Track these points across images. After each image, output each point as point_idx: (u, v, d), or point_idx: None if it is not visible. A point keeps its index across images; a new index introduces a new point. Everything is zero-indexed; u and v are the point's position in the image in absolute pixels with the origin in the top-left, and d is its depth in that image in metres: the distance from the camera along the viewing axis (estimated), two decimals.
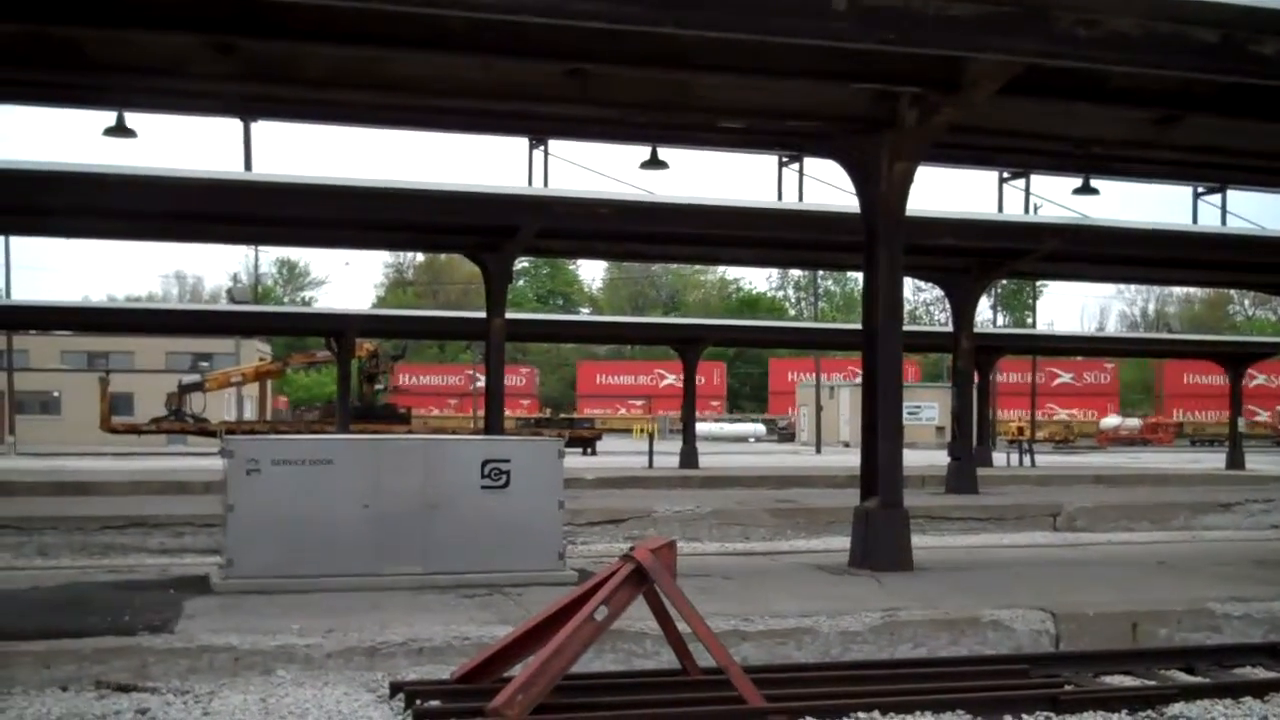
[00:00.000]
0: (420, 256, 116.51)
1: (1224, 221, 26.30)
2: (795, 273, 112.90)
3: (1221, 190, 25.34)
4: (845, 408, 73.37)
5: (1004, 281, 73.34)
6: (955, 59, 12.30)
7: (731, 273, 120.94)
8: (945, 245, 24.53)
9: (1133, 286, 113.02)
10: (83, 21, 11.31)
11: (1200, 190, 25.64)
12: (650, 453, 38.89)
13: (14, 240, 53.63)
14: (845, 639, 10.03)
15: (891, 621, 10.26)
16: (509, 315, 26.00)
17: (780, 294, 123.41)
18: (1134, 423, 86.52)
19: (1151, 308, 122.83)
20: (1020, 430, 56.75)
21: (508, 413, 63.33)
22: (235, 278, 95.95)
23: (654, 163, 22.03)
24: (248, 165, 20.16)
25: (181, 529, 18.70)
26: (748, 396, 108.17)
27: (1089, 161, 19.08)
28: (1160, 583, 12.65)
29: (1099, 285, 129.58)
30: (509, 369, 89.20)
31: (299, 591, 10.89)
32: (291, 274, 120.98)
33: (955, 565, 14.05)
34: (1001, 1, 10.91)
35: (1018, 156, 19.55)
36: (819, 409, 67.77)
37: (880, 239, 13.67)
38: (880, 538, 13.56)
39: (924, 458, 35.92)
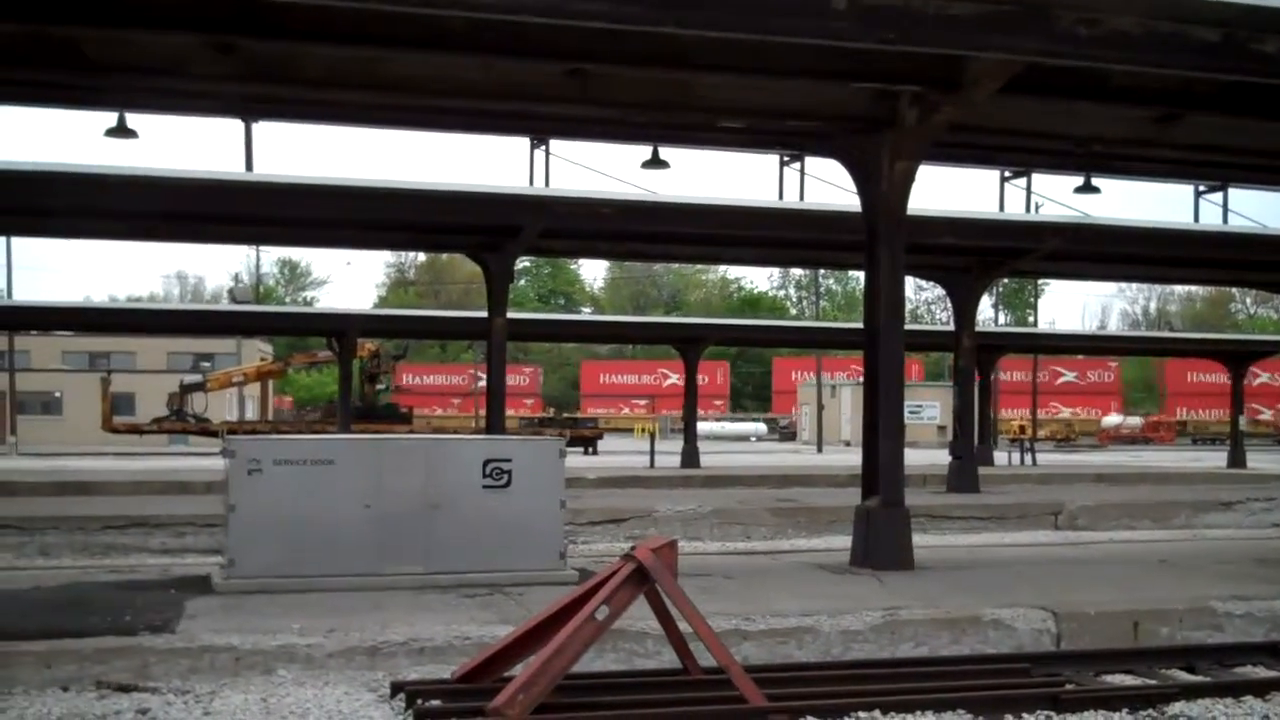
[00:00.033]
0: (421, 256, 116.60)
1: (1225, 220, 26.29)
2: (797, 272, 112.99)
3: (1223, 189, 25.31)
4: (846, 407, 73.38)
5: (1005, 280, 73.37)
6: (956, 58, 12.30)
7: (733, 272, 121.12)
8: (946, 244, 24.53)
9: (1134, 285, 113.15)
10: (82, 21, 11.32)
11: (1201, 189, 25.61)
12: (651, 452, 38.89)
13: (15, 241, 53.70)
14: (846, 638, 10.03)
15: (893, 620, 10.26)
16: (510, 315, 26.00)
17: (781, 293, 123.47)
18: (1135, 421, 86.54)
19: (1153, 306, 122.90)
20: (1021, 429, 56.74)
21: (512, 412, 63.40)
22: (237, 278, 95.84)
23: (655, 162, 22.02)
24: (249, 165, 20.17)
25: (183, 529, 18.72)
26: (749, 396, 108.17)
27: (1090, 160, 19.08)
28: (1162, 581, 12.64)
29: (1100, 284, 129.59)
30: (513, 369, 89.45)
31: (300, 591, 10.90)
32: (293, 274, 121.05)
33: (956, 564, 14.05)
34: (1002, 0, 10.91)
35: (1019, 155, 19.55)
36: (820, 408, 67.76)
37: (881, 238, 13.68)
38: (881, 537, 13.56)
39: (925, 457, 35.89)
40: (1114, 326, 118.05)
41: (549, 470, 12.07)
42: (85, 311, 48.53)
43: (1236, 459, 42.23)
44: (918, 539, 14.46)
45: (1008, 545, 18.80)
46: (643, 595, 8.13)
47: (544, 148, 22.62)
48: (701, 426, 47.20)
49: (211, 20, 11.41)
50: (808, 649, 9.90)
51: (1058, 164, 20.10)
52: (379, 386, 50.97)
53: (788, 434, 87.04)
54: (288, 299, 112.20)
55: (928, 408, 74.57)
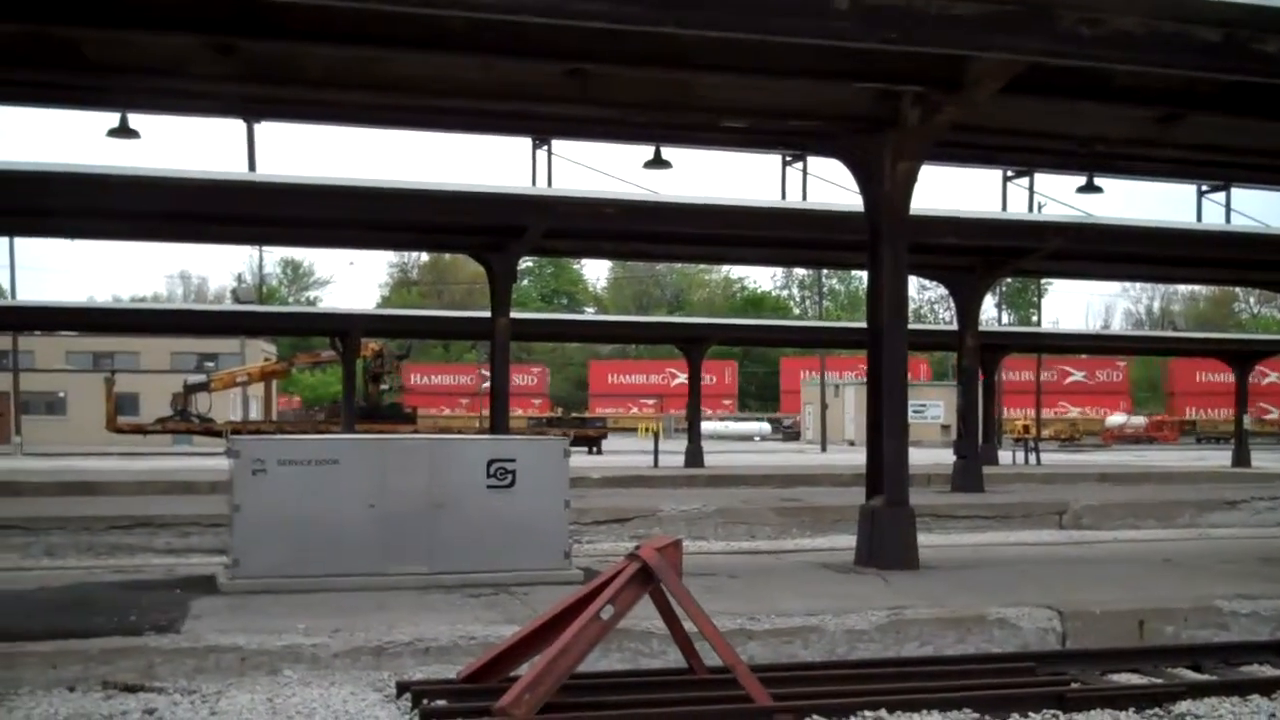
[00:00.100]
0: (424, 256, 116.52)
1: (1228, 219, 26.27)
2: (800, 271, 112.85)
3: (1225, 188, 25.30)
4: (850, 406, 73.37)
5: (1009, 280, 73.28)
6: (958, 58, 12.30)
7: (736, 271, 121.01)
8: (949, 244, 24.52)
9: (1138, 285, 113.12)
10: (82, 22, 11.31)
11: (1204, 188, 25.60)
12: (656, 452, 38.89)
13: (18, 241, 53.71)
14: (851, 637, 10.04)
15: (898, 620, 10.26)
16: (514, 315, 26.00)
17: (785, 293, 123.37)
18: (1139, 420, 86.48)
19: (1156, 305, 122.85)
20: (1026, 429, 56.73)
21: (520, 412, 63.31)
22: (240, 278, 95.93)
23: (657, 162, 22.03)
24: (251, 166, 20.18)
25: (188, 529, 18.73)
26: (753, 395, 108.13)
27: (1093, 160, 19.07)
28: (1167, 580, 12.64)
29: (1104, 283, 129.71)
30: (520, 369, 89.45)
31: (305, 591, 10.91)
32: (296, 274, 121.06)
33: (961, 563, 14.05)
34: (1005, 0, 10.91)
35: (1021, 155, 19.52)
36: (824, 407, 67.74)
37: (884, 238, 13.68)
38: (886, 536, 13.56)
39: (929, 456, 35.89)
40: (1118, 326, 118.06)
41: (553, 470, 12.09)
42: (89, 312, 48.60)
43: (1241, 458, 42.26)
44: (922, 538, 14.46)
45: (1012, 544, 18.79)
46: (648, 595, 8.14)
47: (546, 148, 22.63)
48: (705, 426, 47.21)
49: (211, 21, 11.41)
50: (813, 648, 9.90)
51: (1060, 164, 20.08)
52: (383, 386, 51.01)
53: (792, 434, 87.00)
54: (291, 299, 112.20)
55: (931, 407, 74.52)
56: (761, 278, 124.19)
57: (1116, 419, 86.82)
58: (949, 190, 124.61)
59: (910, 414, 14.70)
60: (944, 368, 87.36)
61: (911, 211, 13.81)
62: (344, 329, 38.86)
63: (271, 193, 20.58)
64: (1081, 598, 11.21)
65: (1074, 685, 8.77)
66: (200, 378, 54.79)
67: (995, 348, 41.17)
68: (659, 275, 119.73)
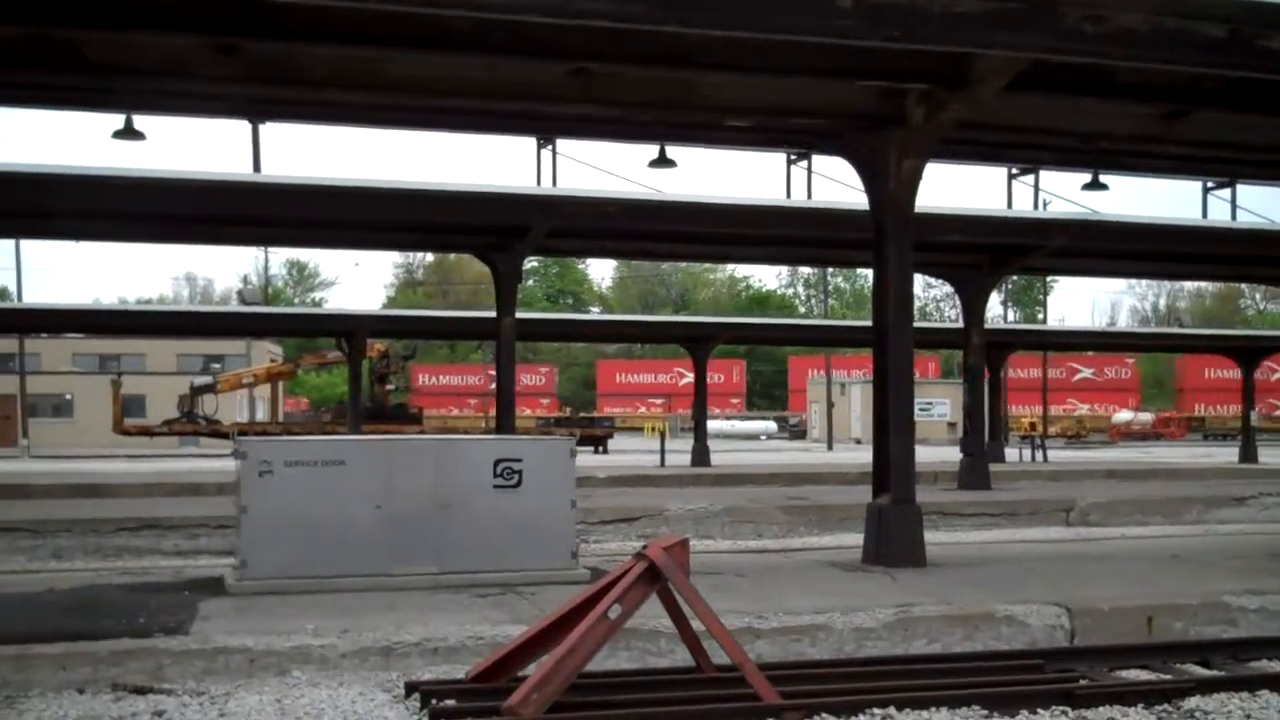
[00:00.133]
0: (430, 257, 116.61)
1: (1234, 216, 26.24)
2: (805, 270, 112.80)
3: (1231, 184, 25.26)
4: (856, 404, 73.34)
5: (1014, 277, 73.20)
6: (962, 55, 12.30)
7: (741, 270, 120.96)
8: (955, 242, 24.52)
9: (1144, 281, 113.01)
10: (82, 24, 11.30)
11: (1209, 185, 25.58)
12: (662, 451, 38.89)
13: (23, 243, 53.76)
14: (859, 635, 10.04)
15: (905, 617, 10.26)
16: (519, 315, 26.02)
17: (790, 291, 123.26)
18: (1146, 417, 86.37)
19: (1162, 302, 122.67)
20: (1032, 426, 56.69)
21: (529, 411, 63.20)
22: (245, 279, 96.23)
23: (662, 161, 22.03)
24: (256, 167, 20.21)
25: (196, 531, 18.75)
26: (759, 394, 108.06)
27: (1097, 157, 19.07)
28: (1175, 577, 12.64)
29: (1110, 280, 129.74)
30: (528, 368, 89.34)
31: (313, 592, 10.93)
32: (301, 275, 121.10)
33: (969, 561, 14.05)
34: None
35: (1026, 152, 19.52)
36: (830, 406, 67.72)
37: (889, 236, 13.68)
38: (893, 534, 13.57)
39: (936, 454, 35.87)
40: (1124, 323, 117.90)
41: (560, 469, 12.09)
42: (95, 314, 48.74)
43: (1248, 454, 42.24)
44: (929, 536, 14.47)
45: (1020, 541, 18.78)
46: (655, 594, 8.14)
47: (550, 147, 22.65)
48: (711, 425, 47.21)
49: (213, 22, 11.40)
50: (821, 646, 9.91)
51: (1065, 161, 20.08)
52: (389, 387, 51.08)
53: (798, 432, 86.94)
54: (296, 300, 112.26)
55: (938, 405, 74.44)
56: (767, 276, 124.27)
57: (1123, 416, 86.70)
58: (954, 188, 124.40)
59: (916, 412, 14.71)
60: (951, 365, 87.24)
61: (916, 209, 13.81)
62: (350, 330, 38.91)
63: (277, 194, 20.61)
64: (1089, 594, 11.21)
65: (1083, 682, 8.76)
66: (206, 379, 54.87)
67: (1001, 345, 41.15)
68: (664, 274, 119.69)
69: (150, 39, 11.91)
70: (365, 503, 11.44)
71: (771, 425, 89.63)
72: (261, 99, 14.67)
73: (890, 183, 13.56)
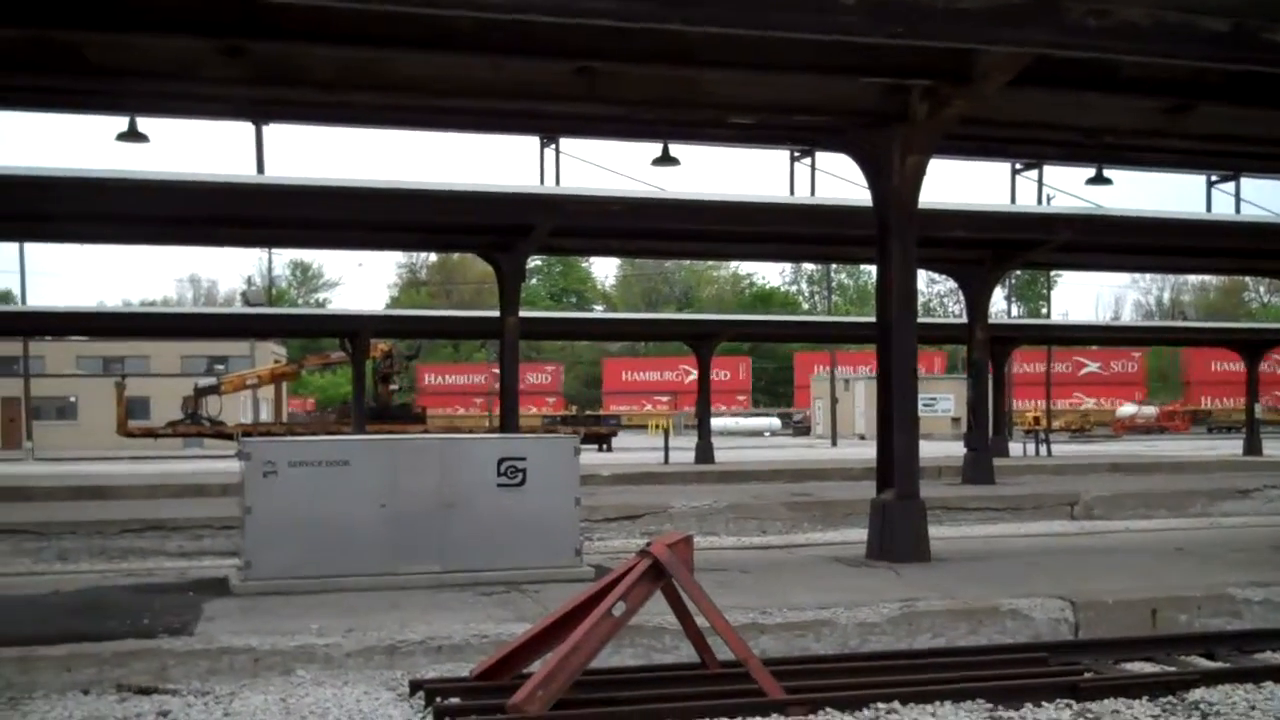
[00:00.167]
0: (433, 257, 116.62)
1: (1238, 209, 26.20)
2: (808, 266, 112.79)
3: (1235, 178, 25.20)
4: (860, 400, 73.29)
5: (1018, 272, 73.17)
6: (965, 51, 12.30)
7: (745, 267, 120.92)
8: (958, 237, 24.52)
9: (1148, 276, 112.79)
10: (83, 26, 11.29)
11: (1213, 179, 25.52)
12: (666, 448, 38.92)
13: (27, 246, 53.82)
14: (863, 630, 10.05)
15: (910, 612, 10.27)
16: (522, 313, 26.02)
17: (794, 288, 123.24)
18: (1150, 411, 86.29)
19: (1167, 296, 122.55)
20: (1036, 420, 56.64)
21: (535, 410, 63.06)
22: (249, 281, 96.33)
23: (665, 159, 22.00)
24: (260, 168, 20.20)
25: (200, 532, 18.77)
26: (764, 390, 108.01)
27: (1101, 151, 19.05)
28: (1179, 569, 12.63)
29: (1114, 275, 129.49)
30: (534, 367, 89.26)
31: (317, 592, 10.94)
32: (305, 276, 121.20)
33: (973, 555, 14.05)
34: None
35: (1030, 147, 19.52)
36: (834, 402, 67.70)
37: (893, 232, 13.68)
38: (897, 529, 13.57)
39: (940, 449, 35.87)
40: (1128, 317, 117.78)
41: (564, 468, 12.10)
42: (99, 316, 48.67)
43: (1253, 446, 42.27)
44: (933, 531, 14.48)
45: (1024, 536, 18.76)
46: (659, 590, 8.15)
47: (554, 146, 22.62)
48: (715, 422, 47.21)
49: (216, 24, 11.41)
50: (825, 641, 9.92)
51: (1069, 155, 20.06)
52: (393, 387, 51.07)
53: (802, 429, 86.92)
54: (300, 301, 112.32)
55: (941, 400, 74.40)
56: (770, 273, 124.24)
57: (1127, 409, 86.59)
58: (957, 183, 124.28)
59: (920, 407, 14.70)
60: (956, 360, 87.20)
61: (920, 205, 13.81)
62: (353, 330, 38.89)
63: (280, 195, 20.60)
64: (1094, 587, 11.21)
65: (1087, 675, 8.77)
66: (210, 381, 54.84)
67: (1005, 340, 41.12)
68: (668, 272, 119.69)
69: (152, 41, 11.91)
70: (370, 502, 11.45)
71: (775, 422, 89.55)
72: (264, 100, 14.68)
73: (894, 179, 13.57)
